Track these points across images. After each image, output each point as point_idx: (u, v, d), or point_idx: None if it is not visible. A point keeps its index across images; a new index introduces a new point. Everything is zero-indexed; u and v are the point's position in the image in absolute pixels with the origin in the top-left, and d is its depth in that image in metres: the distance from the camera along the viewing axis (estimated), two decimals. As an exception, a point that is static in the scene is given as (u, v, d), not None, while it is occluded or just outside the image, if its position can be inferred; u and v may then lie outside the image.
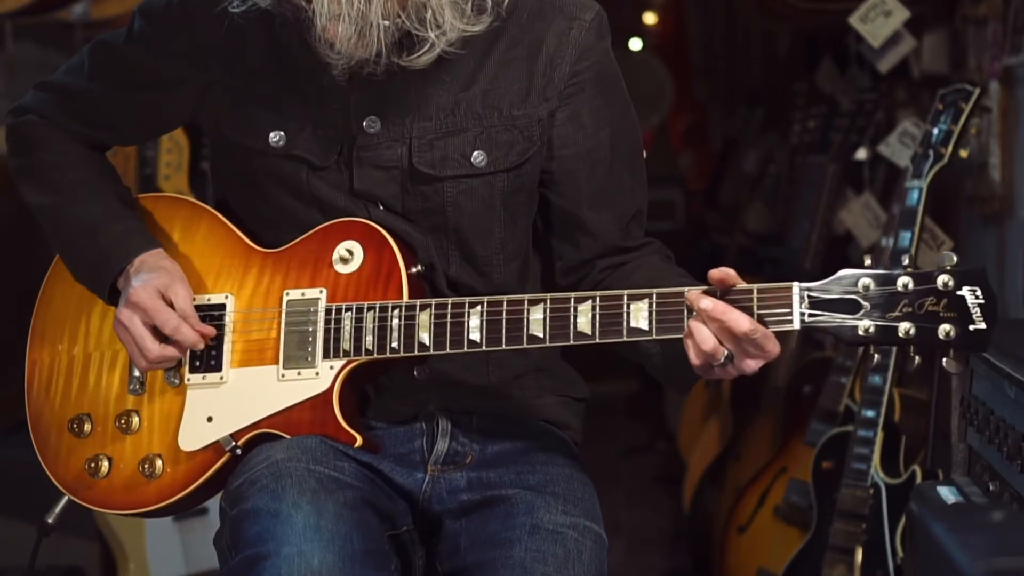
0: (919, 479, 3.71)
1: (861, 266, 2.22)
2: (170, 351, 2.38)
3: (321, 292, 2.39)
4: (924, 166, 3.69)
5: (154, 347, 2.37)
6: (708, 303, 2.15)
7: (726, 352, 2.16)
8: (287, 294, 2.41)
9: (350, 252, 2.39)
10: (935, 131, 3.70)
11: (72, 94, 2.54)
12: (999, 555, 1.78)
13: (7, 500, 4.20)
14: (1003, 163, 4.00)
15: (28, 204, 2.53)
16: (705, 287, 2.20)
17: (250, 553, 2.21)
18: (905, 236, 3.66)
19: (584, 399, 2.64)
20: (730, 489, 4.95)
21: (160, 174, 4.67)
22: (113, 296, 2.46)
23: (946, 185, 4.09)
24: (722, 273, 2.17)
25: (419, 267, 2.40)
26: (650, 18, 10.08)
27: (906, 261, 2.19)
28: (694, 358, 2.19)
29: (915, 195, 3.68)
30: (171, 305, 2.38)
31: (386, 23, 2.22)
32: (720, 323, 2.14)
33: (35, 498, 2.53)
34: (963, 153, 3.71)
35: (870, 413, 3.80)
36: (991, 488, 2.52)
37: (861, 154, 5.14)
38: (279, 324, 2.40)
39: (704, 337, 2.16)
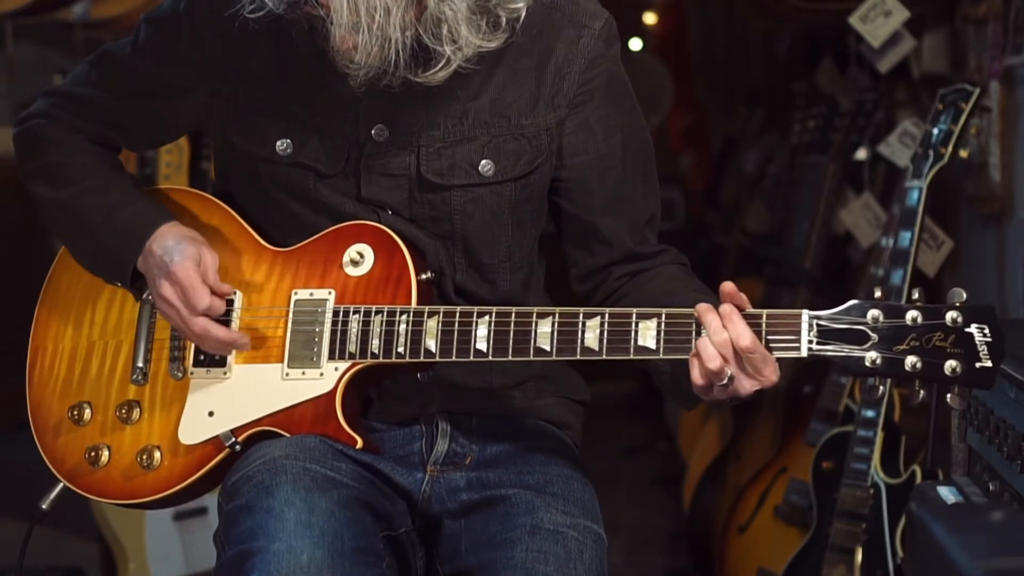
0: (919, 479, 3.72)
1: (866, 277, 2.23)
2: (215, 330, 2.36)
3: (330, 293, 2.40)
4: (924, 166, 3.69)
5: (198, 321, 2.36)
6: (721, 309, 2.17)
7: (729, 373, 2.17)
8: (295, 293, 2.41)
9: (361, 255, 2.40)
10: (935, 131, 3.71)
11: (80, 99, 2.54)
12: (999, 555, 1.78)
13: (8, 501, 4.20)
14: (1003, 163, 4.01)
15: (40, 202, 2.53)
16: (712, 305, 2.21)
17: (242, 548, 2.22)
18: (905, 236, 3.66)
19: (584, 402, 2.65)
20: (730, 489, 4.95)
21: (160, 174, 4.68)
22: (136, 280, 2.46)
23: (946, 185, 4.09)
24: (733, 288, 2.19)
25: (429, 273, 2.41)
26: (650, 18, 10.09)
27: (916, 295, 2.19)
28: (698, 378, 2.20)
29: (915, 195, 3.69)
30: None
31: (404, 35, 2.22)
32: (724, 334, 2.16)
33: (35, 499, 2.53)
34: (963, 153, 3.71)
35: (870, 413, 3.80)
36: (991, 488, 2.52)
37: (861, 154, 5.14)
38: (286, 323, 2.40)
39: (710, 355, 2.17)
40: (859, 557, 3.79)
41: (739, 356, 2.17)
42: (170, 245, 2.40)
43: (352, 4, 2.19)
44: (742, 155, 7.93)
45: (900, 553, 3.71)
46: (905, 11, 4.28)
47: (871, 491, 3.78)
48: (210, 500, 2.52)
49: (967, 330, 2.14)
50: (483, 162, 2.41)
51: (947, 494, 2.56)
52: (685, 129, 9.90)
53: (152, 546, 4.31)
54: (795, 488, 4.28)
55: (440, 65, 2.27)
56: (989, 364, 2.13)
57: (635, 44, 9.84)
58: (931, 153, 3.69)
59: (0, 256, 4.58)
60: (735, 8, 8.59)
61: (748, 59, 9.16)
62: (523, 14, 2.32)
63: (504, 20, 2.31)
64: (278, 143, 2.42)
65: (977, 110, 3.71)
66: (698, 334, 2.21)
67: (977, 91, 3.68)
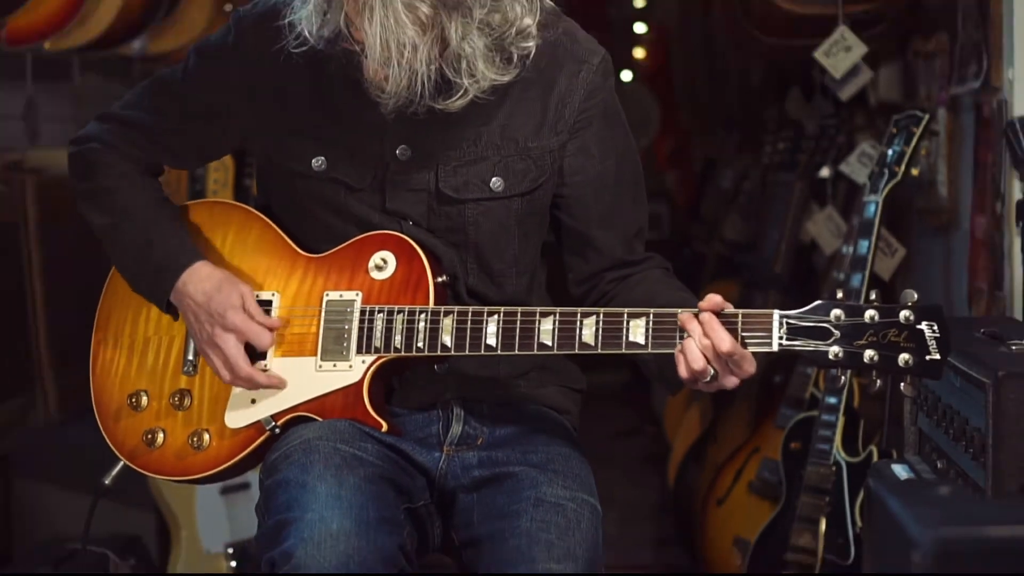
0: (876, 458, 3.72)
1: (829, 280, 2.24)
2: (258, 376, 2.38)
3: (357, 295, 2.40)
4: (880, 183, 3.69)
5: (246, 366, 2.38)
6: (702, 317, 2.18)
7: (712, 371, 2.17)
8: (327, 295, 2.41)
9: (384, 261, 2.40)
10: (890, 152, 3.70)
11: (132, 124, 2.52)
12: (946, 525, 1.78)
13: (76, 479, 4.21)
14: (949, 180, 4.01)
15: (91, 224, 2.53)
16: (694, 311, 2.22)
17: (280, 518, 2.23)
18: (863, 244, 3.66)
19: (582, 390, 2.64)
20: (709, 467, 4.94)
21: (208, 190, 4.68)
22: (170, 308, 2.46)
23: (899, 199, 4.09)
24: (711, 304, 2.19)
25: (444, 277, 2.41)
26: (639, 53, 10.08)
27: (873, 296, 2.19)
28: (683, 373, 2.20)
29: (872, 208, 3.68)
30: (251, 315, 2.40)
31: (429, 68, 2.21)
32: (707, 340, 2.16)
33: (100, 476, 2.53)
34: (914, 171, 3.71)
35: (832, 400, 3.80)
36: (939, 466, 2.52)
37: (824, 172, 5.13)
38: (319, 321, 2.40)
39: (695, 357, 2.17)
40: (823, 527, 3.79)
41: (722, 358, 2.17)
42: (209, 289, 2.40)
43: (384, 41, 2.19)
44: (720, 173, 7.92)
45: (859, 523, 3.70)
46: (863, 46, 4.28)
47: (833, 468, 3.77)
48: (252, 476, 2.52)
49: (918, 327, 2.14)
50: (494, 179, 2.41)
51: (900, 471, 2.56)
52: (670, 151, 9.89)
53: (201, 517, 4.31)
54: (767, 466, 4.27)
55: (459, 95, 2.27)
56: (938, 357, 2.13)
57: (626, 76, 9.83)
58: (886, 171, 3.68)
59: (69, 265, 4.59)
60: (714, 44, 8.59)
61: (725, 89, 9.14)
62: (533, 52, 2.32)
63: (516, 56, 2.30)
64: (313, 160, 2.42)
65: (927, 134, 3.71)
66: (682, 332, 2.21)
67: (927, 117, 3.68)
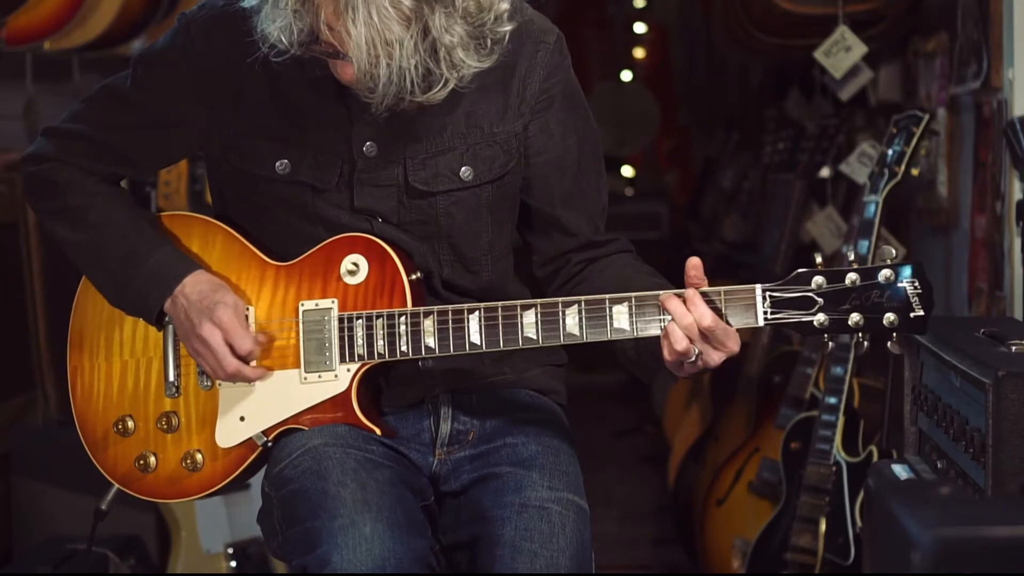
0: (875, 458, 3.71)
1: (816, 267, 2.23)
2: (246, 370, 2.34)
3: (333, 303, 2.36)
4: (880, 183, 3.68)
5: (233, 362, 2.32)
6: (683, 295, 2.19)
7: (696, 350, 2.17)
8: (302, 304, 2.37)
9: (356, 265, 2.37)
10: (889, 152, 3.70)
11: (83, 138, 2.44)
12: (946, 525, 1.78)
13: (76, 479, 4.21)
14: (949, 180, 4.01)
15: (62, 241, 2.45)
16: (676, 291, 2.21)
17: (306, 525, 2.21)
18: (863, 244, 3.66)
19: (563, 364, 2.61)
20: (709, 467, 4.94)
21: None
22: (160, 318, 2.41)
23: (899, 199, 4.09)
24: (697, 262, 2.19)
25: (418, 274, 2.38)
26: (639, 53, 10.08)
27: (852, 256, 2.21)
28: (667, 355, 2.20)
29: (872, 208, 3.68)
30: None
31: (413, 61, 2.17)
32: (689, 318, 2.16)
33: (98, 479, 2.53)
34: (914, 171, 3.71)
35: (832, 400, 3.80)
36: (939, 466, 2.52)
37: (824, 172, 5.13)
38: (298, 332, 2.37)
39: (678, 337, 2.17)
40: (823, 527, 3.79)
41: (705, 334, 2.17)
42: (205, 290, 2.35)
43: (370, 40, 2.13)
44: (720, 173, 7.92)
45: (859, 523, 3.70)
46: (863, 46, 4.28)
47: (833, 468, 3.77)
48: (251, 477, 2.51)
49: (900, 285, 2.15)
50: (463, 169, 2.39)
51: (900, 471, 2.56)
52: (670, 150, 9.91)
53: (201, 517, 4.31)
54: (767, 466, 4.27)
55: (440, 86, 2.21)
56: (922, 312, 2.15)
57: (626, 76, 9.83)
58: (886, 171, 3.68)
59: (69, 265, 4.59)
60: (713, 44, 8.59)
61: (725, 89, 9.15)
62: (507, 36, 2.27)
63: (489, 43, 2.24)
64: (277, 164, 2.38)
65: (927, 133, 3.71)
66: (665, 315, 2.21)
67: (927, 117, 3.68)
